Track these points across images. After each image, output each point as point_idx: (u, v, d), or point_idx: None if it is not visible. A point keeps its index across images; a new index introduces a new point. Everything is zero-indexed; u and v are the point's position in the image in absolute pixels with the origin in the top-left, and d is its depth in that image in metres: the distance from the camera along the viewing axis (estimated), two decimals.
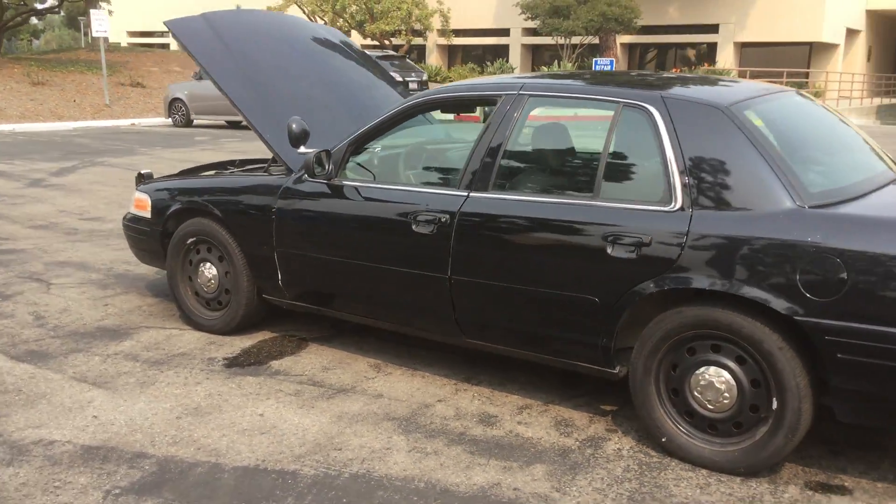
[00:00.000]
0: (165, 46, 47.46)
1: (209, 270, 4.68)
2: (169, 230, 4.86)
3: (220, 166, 5.61)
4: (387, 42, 33.97)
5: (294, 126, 4.11)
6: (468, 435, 3.53)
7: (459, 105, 4.52)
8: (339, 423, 3.62)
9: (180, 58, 31.93)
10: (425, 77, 23.32)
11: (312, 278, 4.26)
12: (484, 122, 5.69)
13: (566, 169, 3.87)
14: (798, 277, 2.92)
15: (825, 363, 2.94)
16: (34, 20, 39.84)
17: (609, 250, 3.28)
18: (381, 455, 3.35)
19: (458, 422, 3.65)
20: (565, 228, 3.41)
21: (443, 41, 41.00)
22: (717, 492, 3.07)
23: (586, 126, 3.95)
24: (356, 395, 3.94)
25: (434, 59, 41.26)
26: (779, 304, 2.96)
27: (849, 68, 37.49)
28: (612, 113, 3.49)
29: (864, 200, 3.15)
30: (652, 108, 3.37)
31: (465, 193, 3.71)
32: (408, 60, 24.65)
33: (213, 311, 4.75)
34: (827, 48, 36.51)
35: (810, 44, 36.36)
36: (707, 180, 3.17)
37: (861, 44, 39.33)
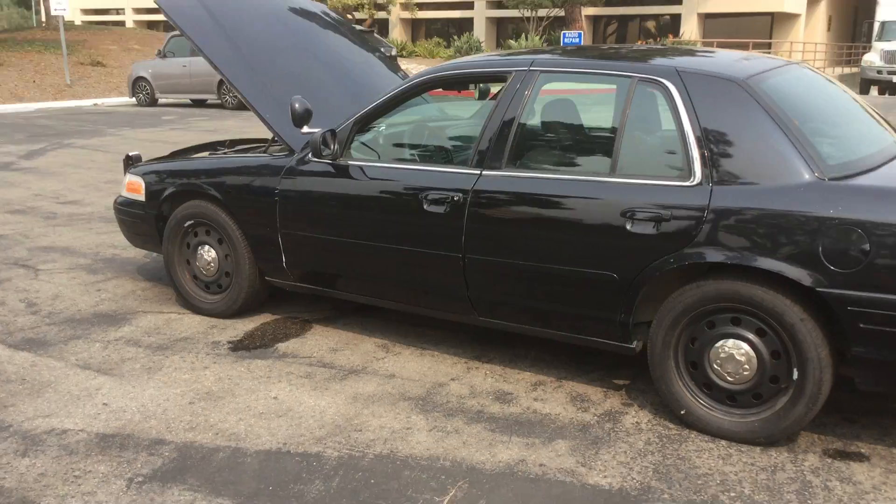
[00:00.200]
0: (121, 24, 46.53)
1: (208, 253, 4.61)
2: (164, 213, 4.77)
3: (211, 147, 5.51)
4: (350, 16, 33.60)
5: (297, 105, 4.04)
6: (486, 413, 3.53)
7: (469, 81, 4.47)
8: (356, 405, 3.60)
9: (139, 36, 31.33)
10: (394, 52, 23.11)
11: (319, 259, 4.21)
12: (479, 98, 5.67)
13: (581, 145, 3.86)
14: (821, 249, 2.95)
15: (847, 333, 2.97)
16: None
17: (628, 226, 3.28)
18: (402, 435, 3.34)
19: (475, 400, 3.65)
20: (583, 205, 3.40)
21: (406, 15, 40.69)
22: (740, 462, 3.11)
23: (600, 101, 3.92)
24: (368, 375, 3.91)
25: (398, 34, 40.93)
26: (802, 276, 2.98)
27: (810, 38, 37.92)
28: (626, 88, 3.48)
29: (879, 172, 3.18)
30: (668, 83, 3.36)
31: (478, 171, 3.68)
32: (375, 35, 24.40)
33: (213, 294, 4.68)
34: (789, 18, 36.86)
35: (772, 14, 36.67)
36: (726, 154, 3.18)
37: (822, 13, 39.74)
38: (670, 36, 34.87)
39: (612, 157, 3.42)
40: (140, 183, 4.84)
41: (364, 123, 4.13)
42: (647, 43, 31.57)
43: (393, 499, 2.89)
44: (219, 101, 18.74)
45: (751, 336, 3.17)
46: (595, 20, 39.71)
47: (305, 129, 4.12)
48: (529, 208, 3.52)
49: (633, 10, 38.91)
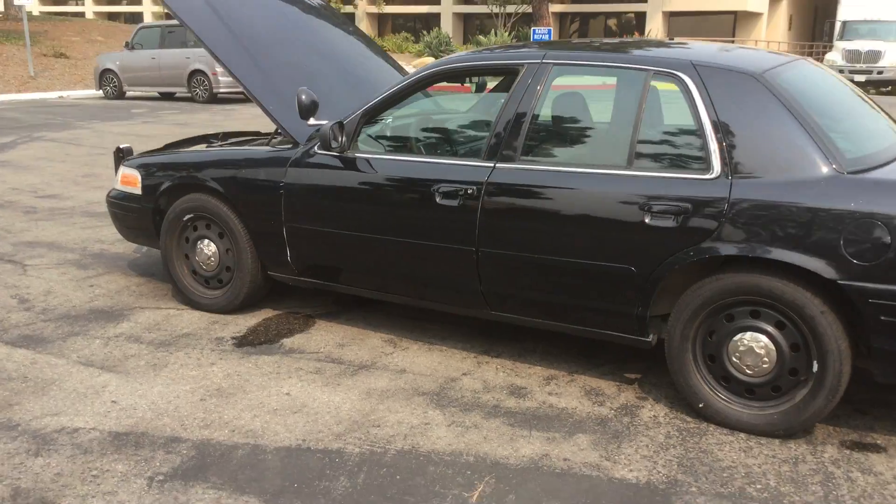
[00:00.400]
0: (80, 15, 45.72)
1: (208, 248, 4.54)
2: (162, 207, 4.68)
3: (204, 140, 5.42)
4: None
5: (304, 97, 3.99)
6: (503, 407, 3.52)
7: (479, 74, 4.45)
8: (370, 400, 3.57)
9: (101, 27, 30.85)
10: None
11: (325, 253, 4.16)
12: (475, 91, 5.65)
13: (597, 138, 3.85)
14: (842, 242, 2.98)
15: (868, 326, 3.01)
16: None
17: (647, 219, 3.29)
18: (421, 430, 3.31)
19: (489, 394, 3.64)
20: (600, 198, 3.40)
21: (373, 9, 40.55)
22: (761, 454, 3.13)
23: (610, 94, 3.92)
24: (378, 370, 3.88)
25: (364, 28, 40.76)
26: (823, 269, 3.01)
27: (772, 36, 38.52)
28: (641, 81, 3.49)
29: (895, 165, 3.22)
30: (684, 76, 3.37)
31: (491, 164, 3.66)
32: None
33: (214, 289, 4.61)
34: (751, 17, 37.39)
35: (735, 12, 37.17)
36: (745, 148, 3.20)
37: (783, 12, 40.35)
38: (636, 34, 35.17)
39: (629, 150, 3.42)
40: (136, 176, 4.74)
41: (371, 116, 4.09)
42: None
43: (421, 494, 2.86)
44: (188, 94, 18.48)
45: (770, 329, 3.20)
46: (561, 17, 39.91)
47: (312, 120, 4.07)
48: (545, 201, 3.51)
49: (599, 7, 39.18)
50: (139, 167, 4.76)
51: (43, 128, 13.28)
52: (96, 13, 48.11)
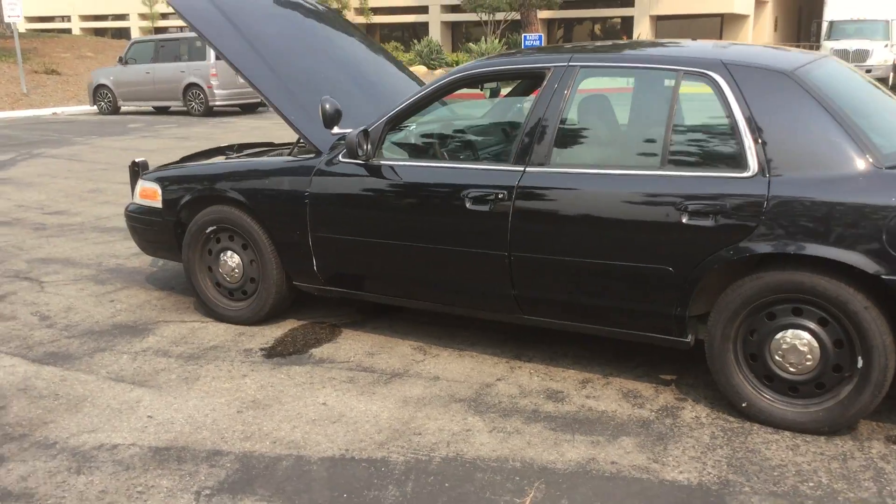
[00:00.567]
0: (67, 31, 45.58)
1: (232, 259, 4.51)
2: (183, 220, 4.65)
3: (219, 152, 5.40)
4: None
5: (327, 106, 3.97)
6: (542, 412, 3.50)
7: (504, 78, 4.43)
8: (408, 408, 3.54)
9: (91, 43, 30.73)
10: None
11: (352, 262, 4.14)
12: (489, 97, 5.64)
13: (627, 140, 3.85)
14: (884, 237, 2.97)
15: None
16: None
17: (684, 219, 3.28)
18: (463, 437, 3.29)
19: (526, 399, 3.62)
20: (635, 199, 3.38)
21: (361, 19, 40.53)
22: (809, 452, 3.12)
23: (632, 97, 3.92)
24: (412, 378, 3.85)
25: None
26: (866, 264, 3.00)
27: (758, 38, 38.72)
28: (671, 81, 3.48)
29: None
30: (715, 75, 3.37)
31: (521, 168, 3.65)
32: None
33: (238, 301, 4.58)
34: (738, 19, 37.56)
35: (722, 15, 37.34)
36: (782, 145, 3.19)
37: (769, 14, 40.58)
38: (624, 37, 35.32)
39: (662, 150, 3.41)
40: (156, 189, 4.71)
41: (396, 123, 4.07)
42: None
43: (472, 502, 2.84)
44: (184, 108, 18.43)
45: (813, 326, 3.19)
46: (549, 23, 40.03)
47: (336, 129, 4.05)
48: (579, 204, 3.50)
49: (587, 12, 39.31)
50: (158, 180, 4.73)
51: (41, 144, 13.22)
52: (83, 29, 47.97)
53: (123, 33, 46.00)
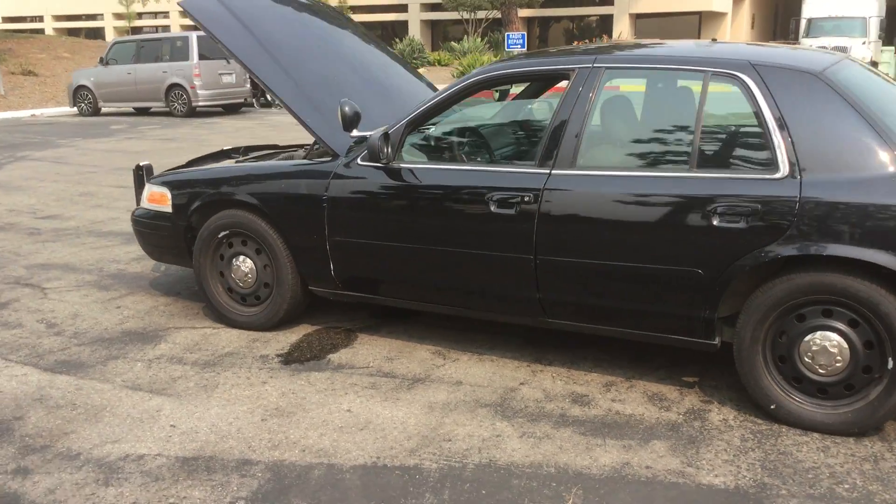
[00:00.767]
0: (40, 31, 45.00)
1: (244, 264, 4.45)
2: (194, 224, 4.59)
3: (226, 155, 5.34)
4: None
5: (347, 108, 3.93)
6: (569, 416, 3.48)
7: (526, 80, 4.41)
8: (434, 414, 3.51)
9: (66, 43, 30.35)
10: None
11: (371, 266, 4.10)
12: (499, 97, 5.62)
13: (656, 141, 3.83)
14: None
15: None
16: None
17: (714, 221, 3.27)
18: (494, 443, 3.26)
19: (552, 403, 3.60)
20: (664, 201, 3.37)
21: None
22: (840, 454, 3.13)
23: (650, 97, 3.91)
24: (434, 383, 3.83)
25: None
26: None
27: (736, 36, 39.02)
28: (699, 83, 3.48)
29: None
30: (744, 76, 3.36)
31: (547, 171, 3.63)
32: None
33: (251, 306, 4.52)
34: (716, 17, 37.82)
35: (700, 13, 37.59)
36: (813, 147, 3.19)
37: (746, 11, 40.89)
38: (605, 37, 35.43)
39: (692, 152, 3.40)
40: (165, 193, 4.64)
41: (416, 125, 4.04)
42: (584, 43, 31.99)
43: None
44: (166, 109, 18.25)
45: (843, 327, 3.19)
46: (529, 22, 40.10)
47: (355, 132, 4.01)
48: (607, 206, 3.48)
49: (567, 11, 39.44)
50: (167, 184, 4.66)
51: (25, 147, 13.02)
52: (56, 29, 47.42)
53: (98, 33, 45.52)
